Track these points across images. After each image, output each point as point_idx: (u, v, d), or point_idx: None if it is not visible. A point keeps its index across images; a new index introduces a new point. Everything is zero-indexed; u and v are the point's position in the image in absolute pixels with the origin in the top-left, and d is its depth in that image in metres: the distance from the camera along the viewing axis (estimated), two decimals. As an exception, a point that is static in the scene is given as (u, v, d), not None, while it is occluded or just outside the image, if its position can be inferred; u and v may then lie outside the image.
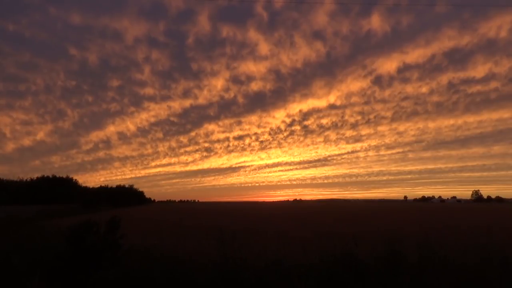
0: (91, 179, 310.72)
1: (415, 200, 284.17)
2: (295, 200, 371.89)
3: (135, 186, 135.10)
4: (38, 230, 18.19)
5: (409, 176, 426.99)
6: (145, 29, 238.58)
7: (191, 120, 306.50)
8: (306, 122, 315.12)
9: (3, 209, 41.89)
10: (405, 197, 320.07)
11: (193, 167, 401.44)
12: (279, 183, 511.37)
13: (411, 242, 9.28)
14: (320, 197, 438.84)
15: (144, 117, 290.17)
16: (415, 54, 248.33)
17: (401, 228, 19.71)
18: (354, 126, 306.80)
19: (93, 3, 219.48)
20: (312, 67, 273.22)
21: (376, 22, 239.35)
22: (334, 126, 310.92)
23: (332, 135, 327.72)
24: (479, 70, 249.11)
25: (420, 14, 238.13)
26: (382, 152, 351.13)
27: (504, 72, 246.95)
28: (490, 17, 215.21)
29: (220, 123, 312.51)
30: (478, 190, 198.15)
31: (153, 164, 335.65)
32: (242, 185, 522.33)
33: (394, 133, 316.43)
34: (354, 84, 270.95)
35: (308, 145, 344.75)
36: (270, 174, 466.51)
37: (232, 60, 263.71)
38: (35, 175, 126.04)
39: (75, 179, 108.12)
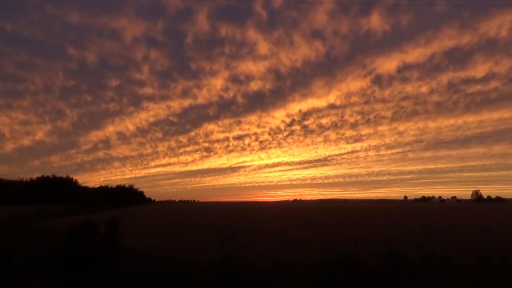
0: (91, 179, 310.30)
1: (415, 200, 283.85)
2: (295, 200, 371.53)
3: (135, 186, 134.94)
4: (38, 230, 18.20)
5: (409, 176, 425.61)
6: (144, 28, 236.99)
7: (190, 120, 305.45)
8: (306, 122, 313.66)
9: (3, 209, 41.88)
10: (405, 197, 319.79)
11: (193, 167, 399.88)
12: (279, 183, 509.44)
13: (411, 242, 9.29)
14: (320, 197, 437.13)
15: (143, 117, 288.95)
16: (415, 54, 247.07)
17: (401, 228, 19.72)
18: (354, 126, 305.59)
19: (91, 2, 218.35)
20: (311, 66, 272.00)
21: (375, 21, 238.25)
22: (334, 126, 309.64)
23: (332, 135, 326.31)
24: (479, 69, 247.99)
25: (420, 14, 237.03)
26: (382, 152, 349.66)
27: (504, 72, 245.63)
28: (490, 17, 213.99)
29: (220, 123, 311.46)
30: (478, 190, 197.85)
31: (152, 164, 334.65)
32: (242, 185, 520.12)
33: (394, 133, 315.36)
34: (354, 83, 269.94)
35: (308, 145, 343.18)
36: (270, 174, 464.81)
37: (231, 59, 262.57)
38: (35, 175, 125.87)
39: (75, 179, 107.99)
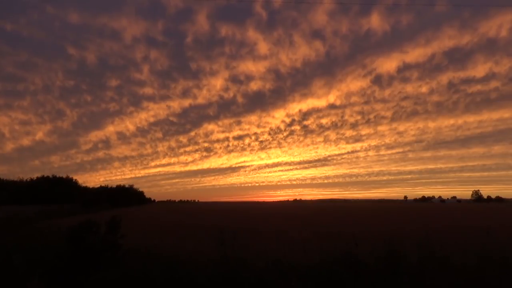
0: (91, 179, 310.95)
1: (415, 200, 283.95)
2: (295, 200, 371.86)
3: (135, 186, 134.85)
4: (38, 230, 18.20)
5: (409, 176, 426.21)
6: (144, 28, 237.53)
7: (190, 120, 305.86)
8: (305, 122, 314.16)
9: (3, 209, 41.89)
10: (405, 197, 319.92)
11: (193, 167, 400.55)
12: (279, 183, 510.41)
13: (411, 242, 9.28)
14: (320, 197, 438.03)
15: (143, 117, 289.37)
16: (415, 54, 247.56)
17: (401, 228, 19.72)
18: (354, 126, 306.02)
19: (91, 2, 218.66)
20: (311, 66, 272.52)
21: (375, 21, 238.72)
22: (334, 126, 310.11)
23: (332, 135, 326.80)
24: (479, 69, 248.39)
25: (420, 14, 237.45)
26: (382, 152, 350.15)
27: (504, 72, 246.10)
28: (490, 16, 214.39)
29: (220, 123, 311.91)
30: (478, 190, 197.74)
31: (152, 164, 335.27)
32: (242, 185, 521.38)
33: (394, 133, 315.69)
34: (354, 83, 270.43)
35: (308, 145, 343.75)
36: (270, 174, 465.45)
37: (231, 59, 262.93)
38: (35, 175, 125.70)
39: (75, 179, 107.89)
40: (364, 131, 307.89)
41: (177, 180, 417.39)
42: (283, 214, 41.27)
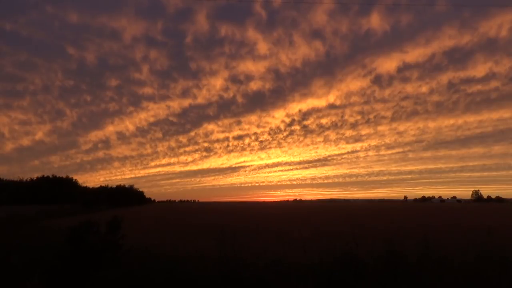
0: (91, 179, 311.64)
1: (415, 200, 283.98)
2: (295, 200, 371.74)
3: (135, 186, 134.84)
4: (38, 230, 18.22)
5: (409, 176, 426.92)
6: (143, 28, 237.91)
7: (190, 120, 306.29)
8: (305, 122, 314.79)
9: (3, 209, 41.89)
10: (405, 197, 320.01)
11: (193, 167, 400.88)
12: (279, 183, 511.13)
13: (411, 242, 9.29)
14: (320, 197, 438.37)
15: (143, 117, 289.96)
16: (415, 54, 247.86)
17: (401, 228, 19.72)
18: (354, 126, 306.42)
19: (91, 2, 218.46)
20: (311, 66, 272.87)
21: (375, 21, 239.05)
22: (334, 126, 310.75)
23: (332, 135, 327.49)
24: (480, 69, 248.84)
25: (420, 13, 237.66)
26: (382, 152, 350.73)
27: (504, 72, 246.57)
28: (490, 16, 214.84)
29: (220, 123, 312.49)
30: (478, 190, 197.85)
31: (152, 164, 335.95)
32: (242, 185, 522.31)
33: (394, 133, 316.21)
34: (354, 83, 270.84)
35: (308, 145, 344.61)
36: (270, 174, 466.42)
37: (231, 59, 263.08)
38: (35, 175, 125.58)
39: (75, 179, 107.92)
40: (364, 131, 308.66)
41: (177, 180, 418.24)
42: (283, 214, 41.27)
